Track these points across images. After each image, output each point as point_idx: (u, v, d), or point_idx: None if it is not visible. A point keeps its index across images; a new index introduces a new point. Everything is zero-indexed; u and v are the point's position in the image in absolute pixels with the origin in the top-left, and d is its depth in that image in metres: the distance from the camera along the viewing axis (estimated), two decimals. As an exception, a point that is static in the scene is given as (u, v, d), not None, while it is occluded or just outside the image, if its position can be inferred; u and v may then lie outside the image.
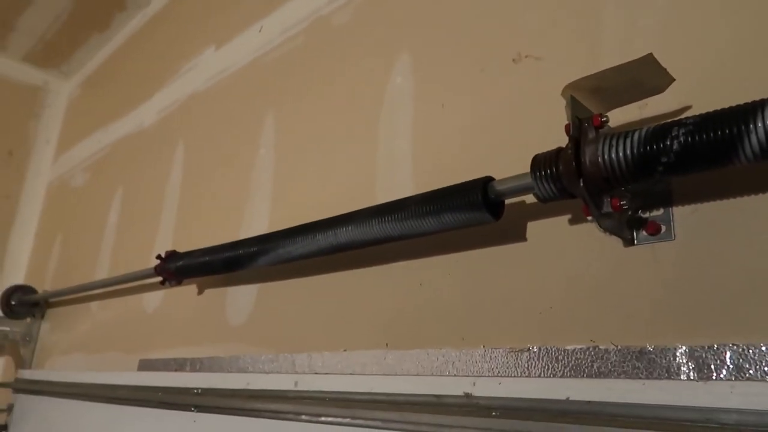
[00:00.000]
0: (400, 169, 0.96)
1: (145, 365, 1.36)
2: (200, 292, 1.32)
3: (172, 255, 1.23)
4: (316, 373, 0.91)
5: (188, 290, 1.34)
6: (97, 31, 2.25)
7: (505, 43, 0.86)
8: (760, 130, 0.48)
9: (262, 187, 1.25)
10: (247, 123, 1.36)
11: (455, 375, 0.73)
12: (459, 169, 0.82)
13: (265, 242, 0.98)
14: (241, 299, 1.19)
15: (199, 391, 1.07)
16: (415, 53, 1.01)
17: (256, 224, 1.22)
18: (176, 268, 1.19)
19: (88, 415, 1.41)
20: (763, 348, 0.52)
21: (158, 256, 1.25)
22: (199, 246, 1.17)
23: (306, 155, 1.16)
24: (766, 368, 0.51)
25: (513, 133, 0.82)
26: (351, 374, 0.85)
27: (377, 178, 0.99)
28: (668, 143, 0.54)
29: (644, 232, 0.64)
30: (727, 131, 0.50)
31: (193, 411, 1.07)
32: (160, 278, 1.25)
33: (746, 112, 0.49)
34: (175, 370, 1.22)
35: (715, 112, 0.52)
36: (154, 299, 1.47)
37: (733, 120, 0.50)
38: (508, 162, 0.75)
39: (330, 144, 1.12)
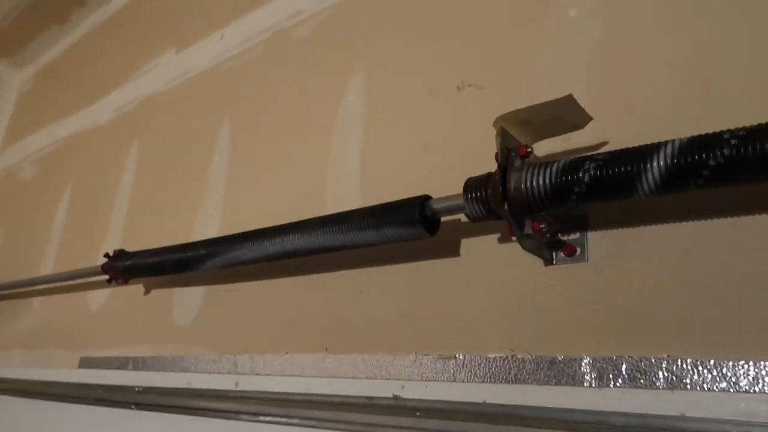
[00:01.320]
0: (348, 182, 1.01)
1: (87, 363, 1.36)
2: (147, 292, 1.33)
3: (120, 254, 1.24)
4: (257, 374, 0.94)
5: (135, 290, 1.35)
6: (56, 24, 2.23)
7: (451, 70, 0.93)
8: (656, 169, 0.55)
9: (214, 192, 1.27)
10: (204, 128, 1.38)
11: (387, 378, 0.78)
12: (403, 186, 0.88)
13: (215, 246, 1.01)
14: (187, 300, 1.21)
15: (141, 389, 1.09)
16: (368, 73, 1.06)
17: (207, 228, 1.24)
18: (124, 267, 1.20)
19: (27, 412, 1.39)
20: (653, 360, 0.59)
21: (106, 255, 1.26)
22: (148, 247, 1.19)
23: (259, 163, 1.20)
24: (653, 378, 0.58)
25: (453, 155, 0.88)
26: (291, 376, 0.89)
27: (327, 190, 1.04)
28: (581, 175, 0.60)
29: (562, 254, 0.71)
30: (629, 168, 0.57)
31: (133, 409, 1.08)
32: (106, 276, 1.26)
33: (645, 153, 0.56)
34: (117, 368, 1.23)
35: (621, 150, 0.59)
36: (100, 297, 1.47)
37: (635, 158, 0.57)
38: (447, 181, 0.80)
39: (283, 154, 1.16)
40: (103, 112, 1.85)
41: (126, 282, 1.28)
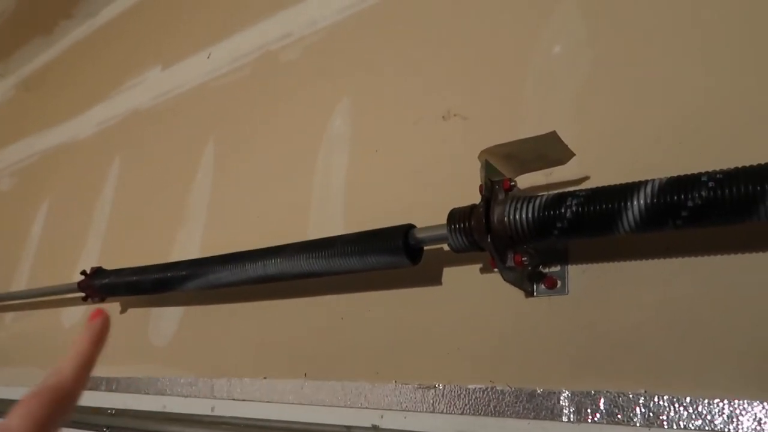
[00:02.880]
0: (332, 206, 1.01)
1: (58, 382, 1.32)
2: (123, 310, 1.31)
3: (98, 271, 1.22)
4: (233, 399, 0.93)
5: (111, 308, 1.33)
6: (40, 35, 2.21)
7: (437, 99, 0.94)
8: (636, 208, 0.57)
9: (196, 211, 1.27)
10: (188, 146, 1.38)
11: (366, 407, 0.78)
12: (387, 212, 0.88)
13: (196, 267, 1.00)
14: (165, 321, 1.20)
15: (113, 411, 1.06)
16: (355, 98, 1.07)
17: (188, 248, 1.23)
18: (101, 285, 1.18)
19: (-9, 432, 1.35)
20: (630, 396, 0.60)
21: (83, 272, 1.24)
22: (126, 265, 1.18)
23: (243, 184, 1.20)
24: (630, 414, 0.59)
25: (437, 184, 0.89)
26: (268, 402, 0.88)
27: (310, 214, 1.04)
28: (563, 210, 0.61)
29: (543, 286, 0.72)
30: (610, 206, 0.58)
31: (105, 431, 1.06)
32: (82, 294, 1.24)
33: (625, 192, 0.58)
34: (90, 389, 1.20)
35: (603, 187, 0.60)
36: (74, 315, 1.45)
37: (616, 196, 0.58)
38: (430, 210, 0.81)
39: (267, 175, 1.16)
40: (85, 126, 1.83)
41: (102, 300, 1.26)
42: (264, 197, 1.14)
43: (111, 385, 1.17)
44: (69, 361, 0.40)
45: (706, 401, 0.55)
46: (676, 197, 0.54)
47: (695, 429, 0.55)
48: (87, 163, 1.73)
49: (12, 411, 0.34)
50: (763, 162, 0.52)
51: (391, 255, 0.76)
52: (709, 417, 0.55)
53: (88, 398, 1.16)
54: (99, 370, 1.26)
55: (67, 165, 1.83)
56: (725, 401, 0.55)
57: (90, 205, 1.59)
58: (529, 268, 0.71)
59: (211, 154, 1.31)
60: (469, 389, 0.71)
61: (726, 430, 0.53)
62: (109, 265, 1.23)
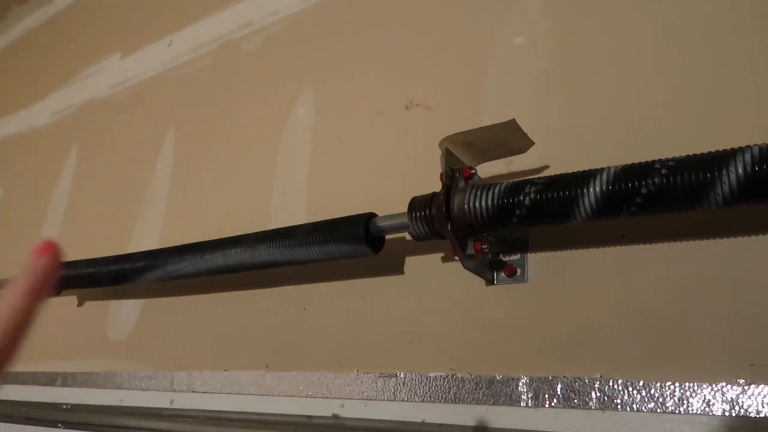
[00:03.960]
0: (294, 197, 1.00)
1: (11, 378, 1.29)
2: (80, 303, 1.27)
3: (52, 264, 1.18)
4: (194, 392, 0.92)
5: (67, 301, 1.29)
6: (-8, 21, 2.14)
7: (400, 90, 0.94)
8: (592, 195, 0.57)
9: (155, 203, 1.24)
10: (147, 136, 1.35)
11: (327, 397, 0.77)
12: (349, 202, 0.88)
13: (154, 258, 0.98)
14: (123, 314, 1.17)
15: (69, 406, 1.04)
16: (318, 88, 1.06)
17: (146, 240, 1.21)
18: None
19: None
20: (586, 380, 0.61)
21: (37, 265, 1.20)
22: (84, 257, 1.14)
23: (203, 175, 1.18)
24: (586, 398, 0.60)
25: (399, 173, 0.88)
26: (229, 393, 0.87)
27: (272, 204, 1.03)
28: (521, 198, 0.62)
29: (503, 274, 0.72)
30: (567, 193, 0.59)
31: (60, 427, 1.03)
32: (36, 287, 1.20)
33: (582, 179, 0.58)
34: (45, 384, 1.17)
35: (560, 175, 0.61)
36: (29, 309, 1.40)
37: (573, 184, 0.59)
38: (393, 199, 0.81)
39: (228, 166, 1.14)
40: (40, 116, 1.77)
41: (57, 293, 1.22)
42: (225, 188, 1.12)
43: (67, 380, 1.14)
44: None
45: (658, 384, 0.57)
46: (630, 184, 0.55)
47: (647, 411, 0.56)
48: (43, 153, 1.68)
49: None
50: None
51: (352, 244, 0.75)
52: (661, 399, 0.56)
53: (43, 393, 1.13)
54: (55, 365, 1.23)
55: (21, 155, 1.77)
56: (676, 384, 0.56)
57: (45, 196, 1.54)
58: (490, 256, 0.71)
59: (171, 144, 1.28)
60: (430, 377, 0.72)
61: (677, 411, 0.54)
62: (66, 258, 1.19)
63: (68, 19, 1.92)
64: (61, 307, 1.30)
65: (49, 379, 1.17)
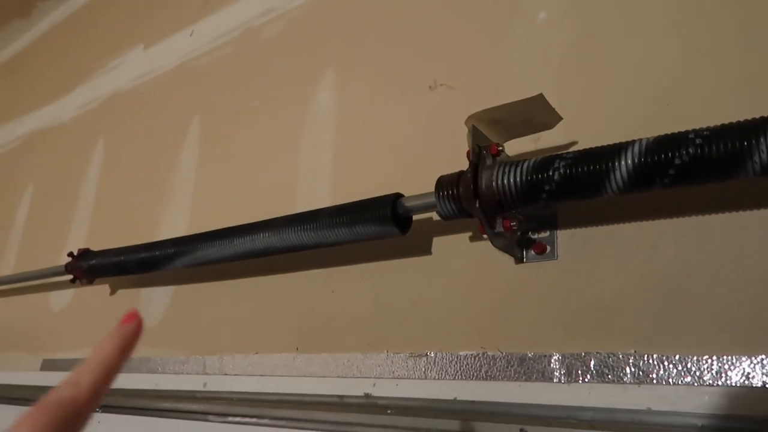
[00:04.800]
0: (319, 181, 1.01)
1: (49, 365, 1.32)
2: (113, 292, 1.30)
3: (84, 253, 1.21)
4: (226, 375, 0.93)
5: (100, 290, 1.32)
6: (18, 18, 2.17)
7: (423, 70, 0.93)
8: (623, 168, 0.57)
9: (182, 191, 1.25)
10: (172, 126, 1.36)
11: (358, 377, 0.78)
12: (375, 184, 0.87)
13: (183, 244, 0.99)
14: (155, 301, 1.19)
15: (106, 391, 1.06)
16: (340, 72, 1.06)
17: (175, 228, 1.22)
18: (88, 267, 1.17)
19: (-17, 417, 1.35)
20: (620, 356, 0.60)
21: (70, 254, 1.23)
22: (114, 246, 1.16)
23: (229, 162, 1.19)
24: (620, 374, 0.59)
25: (425, 154, 0.88)
26: (260, 375, 0.88)
27: (297, 189, 1.03)
28: (551, 173, 0.61)
29: (532, 252, 0.72)
30: (598, 167, 0.58)
31: (98, 411, 1.05)
32: (70, 276, 1.23)
33: (613, 152, 0.58)
34: (81, 371, 1.20)
35: (590, 149, 0.60)
36: (63, 298, 1.44)
37: (603, 157, 0.58)
38: (419, 180, 0.81)
39: (253, 152, 1.15)
40: (67, 109, 1.80)
41: (91, 282, 1.25)
42: (250, 174, 1.13)
43: (102, 366, 1.16)
44: (88, 371, 0.33)
45: (695, 358, 0.56)
46: (663, 155, 0.54)
47: (684, 385, 0.55)
48: (70, 146, 1.71)
49: (16, 424, 0.29)
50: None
51: (379, 225, 0.75)
52: (698, 373, 0.55)
53: (80, 380, 1.16)
54: (89, 352, 1.26)
55: (50, 148, 1.81)
56: (714, 357, 0.55)
57: (75, 188, 1.57)
58: (519, 233, 0.71)
59: (195, 133, 1.30)
60: (460, 356, 0.72)
61: (715, 384, 0.54)
62: (96, 248, 1.22)
63: (91, 13, 1.94)
64: (95, 296, 1.33)
65: (85, 366, 1.20)
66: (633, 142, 0.57)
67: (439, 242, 0.82)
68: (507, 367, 0.67)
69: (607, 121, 0.72)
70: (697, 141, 0.53)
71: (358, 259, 0.89)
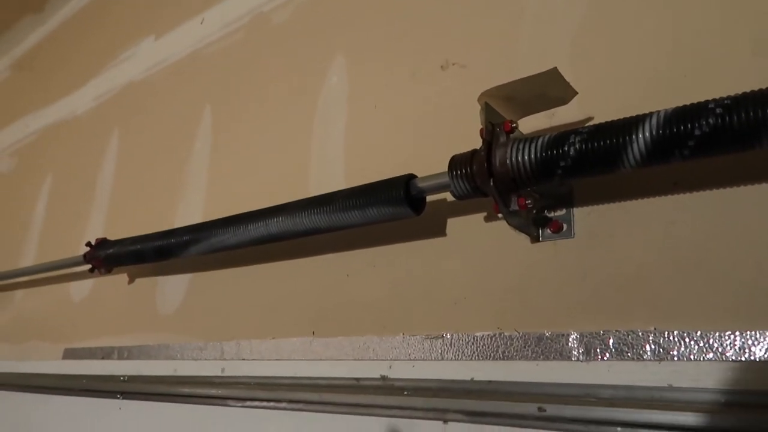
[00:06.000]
0: (332, 164, 1.00)
1: (71, 354, 1.34)
2: (131, 281, 1.31)
3: (102, 242, 1.22)
4: (243, 360, 0.94)
5: (118, 279, 1.33)
6: (31, 13, 2.18)
7: (434, 50, 0.91)
8: (641, 141, 0.55)
9: (197, 178, 1.26)
10: (185, 115, 1.36)
11: (375, 359, 0.77)
12: (388, 167, 0.86)
13: (198, 231, 1.00)
14: (171, 288, 1.20)
15: (126, 378, 1.07)
16: (350, 55, 1.05)
17: (190, 215, 1.23)
18: (106, 256, 1.18)
19: (12, 405, 1.37)
20: (640, 333, 0.59)
21: (88, 244, 1.24)
22: (132, 235, 1.17)
23: (242, 149, 1.18)
24: (640, 351, 0.58)
25: (438, 134, 0.87)
26: (277, 360, 0.89)
27: (311, 173, 1.03)
28: (566, 149, 0.60)
29: (549, 230, 0.71)
30: (614, 140, 0.57)
31: (119, 398, 1.07)
32: (89, 266, 1.24)
33: (630, 125, 0.56)
34: (102, 359, 1.21)
35: (606, 123, 0.59)
36: (83, 288, 1.45)
37: (620, 131, 0.57)
38: (433, 161, 0.79)
39: (266, 139, 1.14)
40: (81, 102, 1.81)
41: (109, 271, 1.26)
42: (264, 160, 1.13)
43: (122, 353, 1.18)
44: None
45: (717, 334, 0.55)
46: (682, 126, 0.53)
47: (707, 361, 0.54)
48: (86, 138, 1.72)
49: None
50: (772, 85, 0.50)
51: (393, 206, 0.74)
52: (720, 349, 0.54)
53: (101, 367, 1.18)
54: (110, 340, 1.28)
55: (66, 141, 1.82)
56: (736, 333, 0.54)
57: (92, 179, 1.58)
58: (534, 212, 0.70)
59: (208, 121, 1.29)
60: (477, 337, 0.71)
61: (739, 359, 0.52)
62: (115, 237, 1.23)
63: (102, 5, 1.94)
64: (114, 285, 1.34)
65: (106, 354, 1.21)
66: (650, 114, 0.56)
67: (453, 223, 0.81)
68: (524, 347, 0.67)
69: (623, 94, 0.71)
70: (718, 111, 0.51)
71: (372, 242, 0.89)
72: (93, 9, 1.99)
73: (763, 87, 0.51)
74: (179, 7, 1.54)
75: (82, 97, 1.82)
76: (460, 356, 0.71)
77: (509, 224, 0.69)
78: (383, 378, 0.73)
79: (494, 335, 0.70)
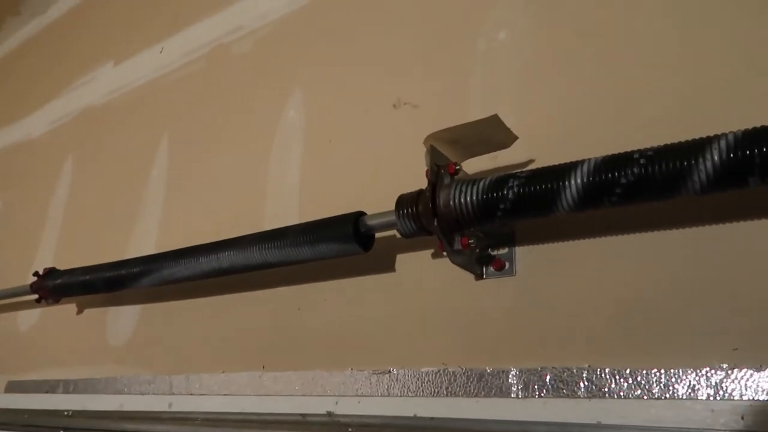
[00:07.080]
0: (288, 198, 1.01)
1: (14, 387, 1.30)
2: (80, 311, 1.28)
3: (50, 272, 1.20)
4: (191, 394, 0.93)
5: (67, 309, 1.30)
6: (-13, 33, 2.15)
7: (387, 88, 0.94)
8: (573, 187, 0.58)
9: (151, 208, 1.25)
10: (142, 143, 1.36)
11: (322, 395, 0.78)
12: (341, 201, 0.88)
13: (149, 263, 0.99)
14: (122, 320, 1.18)
15: (70, 413, 1.05)
16: (307, 89, 1.07)
17: (144, 246, 1.21)
18: (54, 286, 1.16)
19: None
20: (574, 370, 0.61)
21: (35, 273, 1.21)
22: (83, 265, 1.15)
23: (198, 179, 1.19)
24: (574, 388, 0.60)
25: (389, 172, 0.89)
26: (226, 395, 0.88)
27: (266, 206, 1.04)
28: (505, 192, 0.62)
29: (491, 268, 0.73)
30: (549, 186, 0.60)
31: (61, 434, 1.04)
32: (36, 296, 1.21)
33: (563, 171, 0.59)
34: (47, 392, 1.18)
35: (541, 168, 0.62)
36: (30, 318, 1.41)
37: (554, 177, 0.60)
38: (384, 196, 0.81)
39: (223, 170, 1.15)
40: (37, 125, 1.79)
41: (57, 301, 1.23)
42: (220, 191, 1.13)
43: (68, 387, 1.15)
44: None
45: (644, 372, 0.57)
46: (609, 175, 0.56)
47: (634, 398, 0.56)
48: (40, 162, 1.69)
49: None
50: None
51: (342, 243, 0.76)
52: (647, 386, 0.57)
53: (45, 401, 1.14)
54: (56, 373, 1.24)
55: (19, 164, 1.79)
56: (662, 371, 0.57)
57: (43, 205, 1.55)
58: (477, 251, 0.72)
59: (165, 150, 1.29)
60: (422, 372, 0.72)
61: (662, 397, 0.55)
62: (65, 266, 1.21)
63: (62, 29, 1.93)
64: (62, 316, 1.31)
65: (51, 387, 1.18)
66: (582, 161, 0.59)
67: (402, 259, 0.83)
68: (467, 383, 0.68)
69: (563, 139, 0.74)
70: (642, 161, 0.55)
71: (324, 276, 0.90)
72: (51, 32, 1.97)
73: (686, 138, 0.54)
74: (139, 35, 1.54)
75: (37, 120, 1.80)
76: (405, 392, 0.72)
77: (453, 262, 0.71)
78: (329, 414, 0.73)
79: (439, 371, 0.71)
